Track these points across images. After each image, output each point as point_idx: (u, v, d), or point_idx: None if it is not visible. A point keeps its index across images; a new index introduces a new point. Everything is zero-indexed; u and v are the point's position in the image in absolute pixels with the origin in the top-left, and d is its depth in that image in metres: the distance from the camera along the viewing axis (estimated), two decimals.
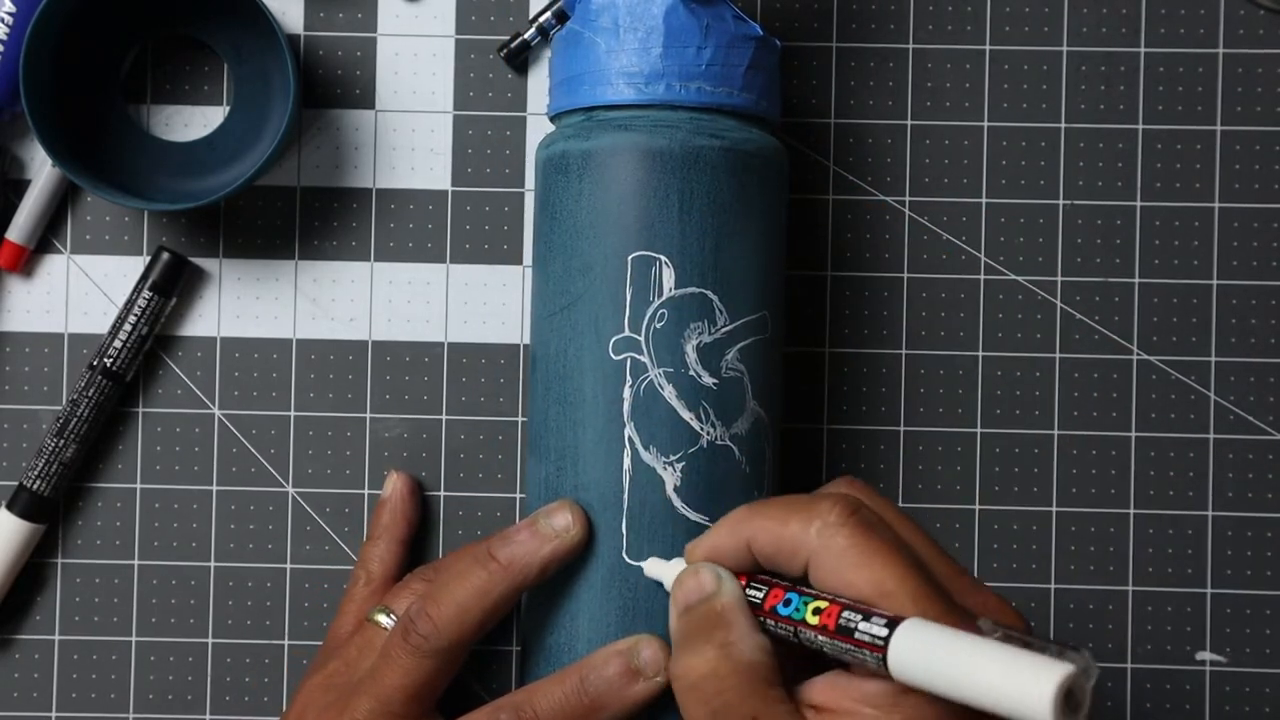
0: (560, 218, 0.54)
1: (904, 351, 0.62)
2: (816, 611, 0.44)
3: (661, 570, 0.51)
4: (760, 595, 0.47)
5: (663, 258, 0.52)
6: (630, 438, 0.52)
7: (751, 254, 0.53)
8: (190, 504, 0.63)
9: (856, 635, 0.43)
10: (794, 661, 0.47)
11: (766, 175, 0.54)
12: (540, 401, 0.54)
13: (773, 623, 0.46)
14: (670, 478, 0.52)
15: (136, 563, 0.63)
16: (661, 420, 0.52)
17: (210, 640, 0.63)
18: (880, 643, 0.42)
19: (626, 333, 0.52)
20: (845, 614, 0.43)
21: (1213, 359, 0.62)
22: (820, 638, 0.44)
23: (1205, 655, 0.62)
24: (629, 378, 0.52)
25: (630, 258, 0.52)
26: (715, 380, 0.52)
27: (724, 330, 0.52)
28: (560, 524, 0.52)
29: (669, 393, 0.52)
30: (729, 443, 0.52)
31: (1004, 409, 0.62)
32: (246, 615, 0.63)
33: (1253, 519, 0.62)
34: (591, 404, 0.53)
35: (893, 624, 0.42)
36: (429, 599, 0.52)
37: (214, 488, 0.63)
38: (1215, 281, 0.62)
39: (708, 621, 0.46)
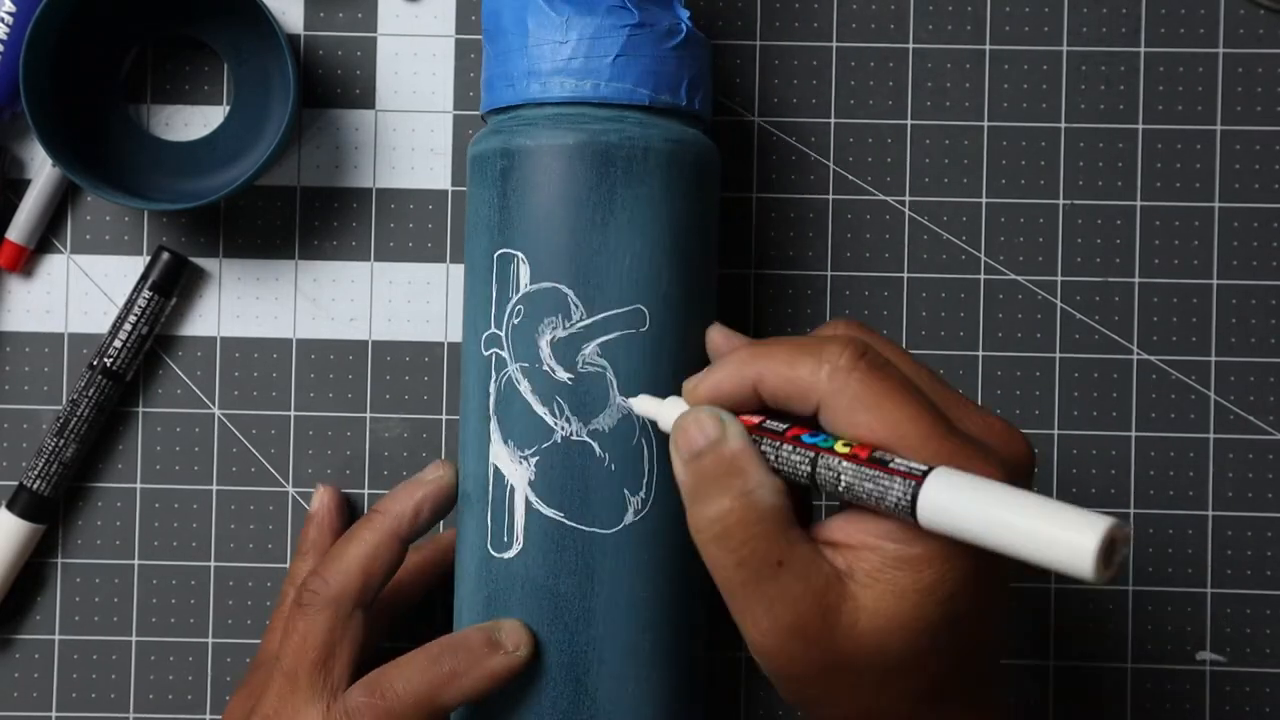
0: (466, 219, 0.55)
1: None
2: (847, 445, 0.44)
3: (655, 409, 0.50)
4: (782, 426, 0.46)
5: (519, 254, 0.52)
6: (494, 431, 0.53)
7: (618, 246, 0.52)
8: (190, 504, 0.63)
9: (892, 465, 0.43)
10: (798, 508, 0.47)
11: (637, 165, 0.52)
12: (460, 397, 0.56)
13: (790, 448, 0.45)
14: (526, 472, 0.52)
15: (136, 563, 0.63)
16: (518, 415, 0.52)
17: (210, 640, 0.63)
18: (919, 473, 0.42)
19: (493, 329, 0.53)
20: (879, 451, 0.44)
21: (1213, 359, 0.62)
22: (846, 465, 0.44)
23: (1205, 655, 0.62)
24: (493, 373, 0.53)
25: (495, 255, 0.53)
26: (571, 375, 0.52)
27: (580, 325, 0.52)
28: (433, 474, 0.55)
29: (525, 388, 0.52)
30: (586, 438, 0.52)
31: (1004, 409, 0.62)
32: (246, 615, 0.63)
33: (1253, 519, 0.62)
34: (472, 398, 0.54)
35: (929, 469, 0.42)
36: (321, 562, 0.54)
37: (214, 487, 0.63)
38: (1215, 281, 0.62)
39: (720, 469, 0.46)
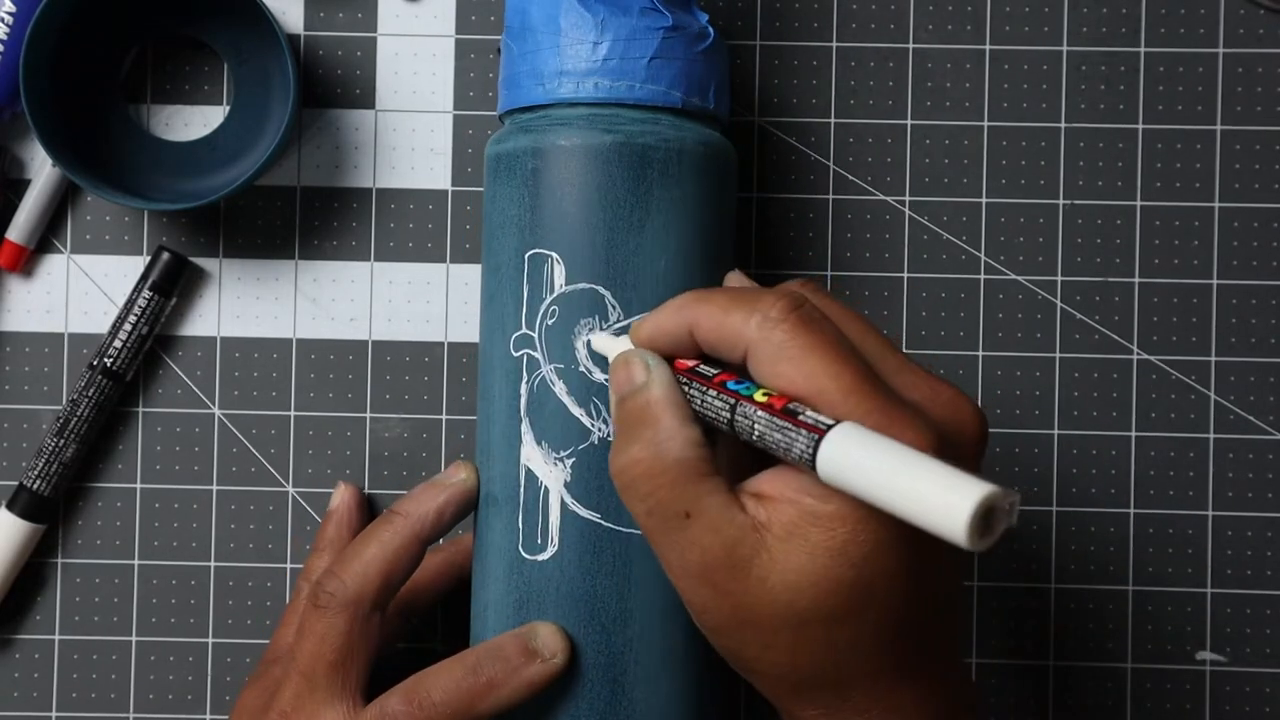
0: (485, 218, 0.55)
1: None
2: (766, 394, 0.44)
3: (608, 348, 0.51)
4: (712, 372, 0.47)
5: (554, 254, 0.52)
6: (526, 433, 0.53)
7: (654, 248, 0.52)
8: (190, 504, 0.63)
9: (801, 417, 0.43)
10: (739, 462, 0.48)
11: (673, 167, 0.52)
12: (476, 397, 0.55)
13: (715, 393, 0.46)
14: (561, 473, 0.52)
15: (136, 563, 0.63)
16: (553, 416, 0.52)
17: (210, 640, 0.63)
18: (824, 426, 0.42)
19: (524, 330, 0.53)
20: (794, 403, 0.44)
21: (1213, 359, 0.62)
22: (760, 414, 0.44)
23: (1205, 655, 0.62)
24: (525, 374, 0.53)
25: (527, 255, 0.53)
26: (606, 377, 0.52)
27: (617, 326, 0.52)
28: (455, 477, 0.54)
29: (560, 389, 0.52)
30: None
31: (1004, 409, 0.62)
32: (246, 615, 0.63)
33: (1253, 519, 0.62)
34: (499, 400, 0.53)
35: (835, 424, 0.42)
36: (337, 561, 0.53)
37: (214, 488, 0.63)
38: (1215, 281, 0.62)
39: (637, 417, 0.47)
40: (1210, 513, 0.62)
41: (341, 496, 0.61)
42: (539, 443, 0.52)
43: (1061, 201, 0.63)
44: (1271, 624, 0.62)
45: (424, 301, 0.63)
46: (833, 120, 0.63)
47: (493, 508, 0.54)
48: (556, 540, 0.52)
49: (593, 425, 0.52)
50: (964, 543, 0.38)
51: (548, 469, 0.52)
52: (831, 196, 0.63)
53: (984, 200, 0.63)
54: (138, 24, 0.62)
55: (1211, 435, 0.62)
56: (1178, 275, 0.62)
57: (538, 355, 0.52)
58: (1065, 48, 0.62)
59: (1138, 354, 0.62)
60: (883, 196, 0.63)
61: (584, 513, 0.52)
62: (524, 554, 0.52)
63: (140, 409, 0.63)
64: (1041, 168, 0.62)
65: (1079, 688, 0.62)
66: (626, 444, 0.46)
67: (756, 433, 0.44)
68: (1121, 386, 0.62)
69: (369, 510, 0.62)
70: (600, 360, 0.52)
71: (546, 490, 0.52)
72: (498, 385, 0.53)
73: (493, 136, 0.55)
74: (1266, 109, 0.62)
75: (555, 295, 0.52)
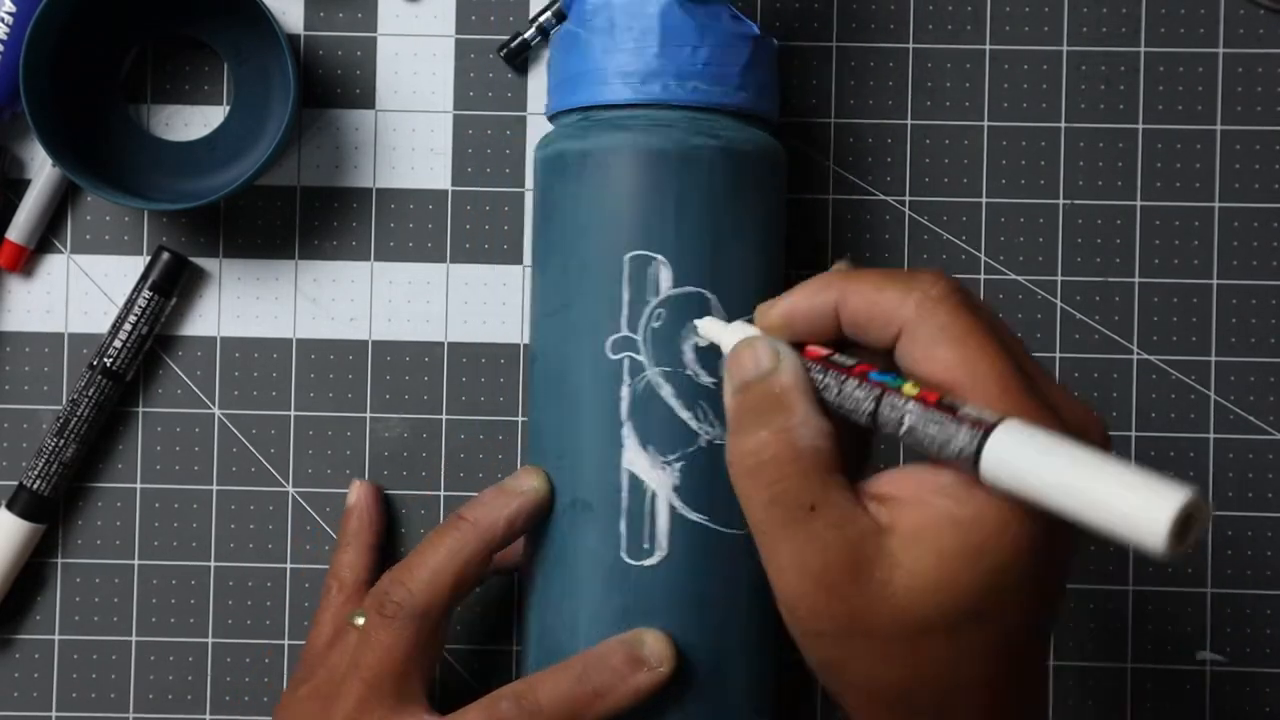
0: (557, 218, 0.54)
1: None
2: (916, 386, 0.42)
3: (719, 333, 0.49)
4: (850, 362, 0.43)
5: (660, 257, 0.52)
6: (628, 437, 0.52)
7: (749, 253, 0.53)
8: (190, 504, 0.63)
9: (961, 411, 0.40)
10: (852, 458, 0.45)
11: (763, 174, 0.54)
12: (540, 400, 0.54)
13: (855, 383, 0.43)
14: (669, 477, 0.52)
15: (136, 563, 0.63)
16: (659, 420, 0.52)
17: (210, 640, 0.63)
18: (989, 422, 0.39)
19: (624, 332, 0.52)
20: (948, 397, 0.41)
21: (1213, 359, 0.62)
22: (912, 405, 0.41)
23: (1205, 655, 0.62)
24: (627, 377, 0.52)
25: (627, 257, 0.52)
26: (714, 379, 0.52)
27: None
28: (526, 484, 0.53)
29: (666, 392, 0.52)
30: None
31: None
32: (246, 615, 0.63)
33: (1253, 519, 0.62)
34: (590, 403, 0.53)
35: (999, 419, 0.39)
36: (402, 568, 0.52)
37: (214, 488, 0.63)
38: (1215, 281, 0.62)
39: (765, 403, 0.43)
40: (1210, 513, 0.62)
41: (358, 493, 0.61)
42: (644, 446, 0.52)
43: (1061, 201, 0.63)
44: (1271, 624, 0.62)
45: (424, 301, 0.63)
46: (833, 120, 0.63)
47: (585, 515, 0.52)
48: (665, 544, 0.52)
49: (700, 428, 0.52)
50: (1161, 549, 0.35)
51: (654, 473, 0.52)
52: (831, 196, 0.63)
53: (984, 200, 0.63)
54: (138, 24, 0.62)
55: (1211, 435, 0.62)
56: (1178, 275, 0.62)
57: (641, 358, 0.52)
58: (1065, 48, 0.62)
59: (1138, 354, 0.62)
60: (883, 196, 0.63)
61: (692, 516, 0.52)
62: (628, 559, 0.52)
63: (140, 409, 0.63)
64: (1041, 168, 0.62)
65: (1079, 688, 0.62)
66: (753, 429, 0.43)
67: (906, 425, 0.41)
68: (1121, 386, 0.62)
69: (386, 502, 0.62)
70: (690, 348, 0.52)
71: (654, 494, 0.52)
72: (588, 388, 0.53)
73: (566, 132, 0.54)
74: (1266, 109, 0.62)
75: (662, 298, 0.52)
